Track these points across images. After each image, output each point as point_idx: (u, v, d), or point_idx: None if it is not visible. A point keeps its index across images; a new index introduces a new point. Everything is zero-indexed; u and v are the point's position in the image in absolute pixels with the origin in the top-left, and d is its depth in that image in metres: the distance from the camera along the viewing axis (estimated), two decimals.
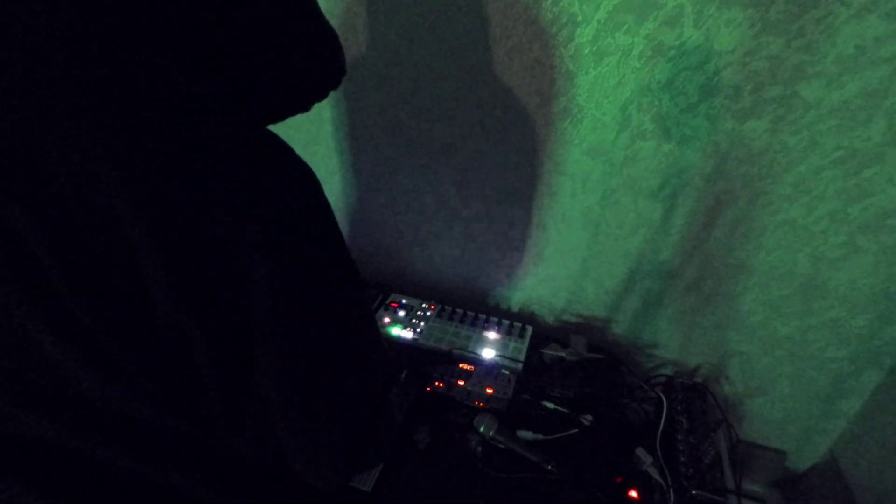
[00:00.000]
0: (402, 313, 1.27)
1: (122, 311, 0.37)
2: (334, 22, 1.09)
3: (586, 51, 0.94)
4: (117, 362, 0.38)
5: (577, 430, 1.00)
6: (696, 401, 1.10)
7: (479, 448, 0.93)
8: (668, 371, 1.27)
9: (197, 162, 0.35)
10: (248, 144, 0.39)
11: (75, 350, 0.37)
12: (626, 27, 0.90)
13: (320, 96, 0.55)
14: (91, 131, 0.33)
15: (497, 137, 1.11)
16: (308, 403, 0.45)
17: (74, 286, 0.35)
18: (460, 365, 1.12)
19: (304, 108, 0.54)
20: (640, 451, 0.96)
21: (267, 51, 0.45)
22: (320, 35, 0.50)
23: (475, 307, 1.33)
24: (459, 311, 1.28)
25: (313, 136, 1.28)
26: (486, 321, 1.25)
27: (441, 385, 1.07)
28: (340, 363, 0.46)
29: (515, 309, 1.37)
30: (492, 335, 1.20)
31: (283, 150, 0.42)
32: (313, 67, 0.51)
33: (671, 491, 0.90)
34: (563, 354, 1.15)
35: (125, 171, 0.33)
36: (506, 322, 1.24)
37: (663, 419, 1.02)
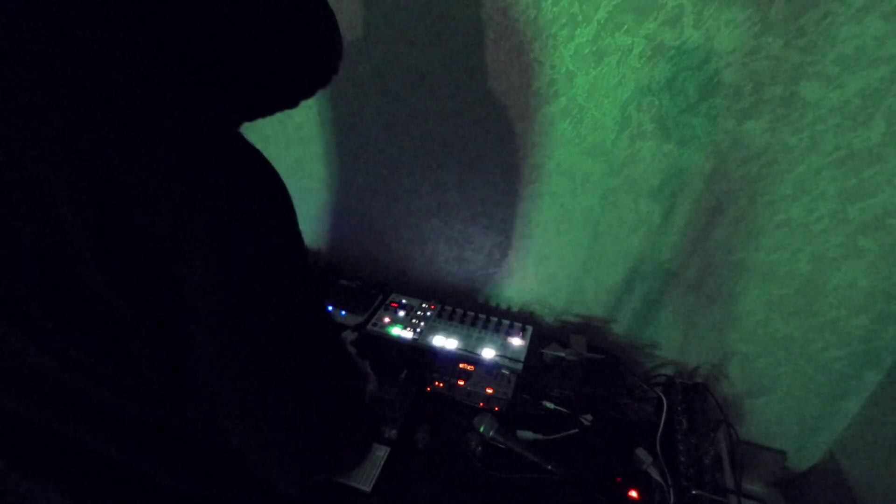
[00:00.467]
0: (402, 313, 1.27)
1: (52, 285, 0.38)
2: None
3: (586, 51, 0.94)
4: (52, 334, 0.40)
5: (577, 430, 1.00)
6: (696, 401, 1.10)
7: (479, 448, 0.93)
8: (668, 371, 1.27)
9: (145, 148, 0.35)
10: (209, 139, 0.38)
11: (17, 323, 0.39)
12: (626, 27, 0.90)
13: (313, 90, 0.54)
14: (37, 106, 0.33)
15: (497, 137, 1.11)
16: (253, 396, 0.44)
17: (8, 260, 0.36)
18: (460, 365, 1.12)
19: (293, 102, 0.53)
20: (640, 451, 0.96)
21: (262, 39, 0.45)
22: (319, 23, 0.50)
23: (475, 307, 1.33)
24: (459, 311, 1.28)
25: (313, 135, 1.28)
26: (486, 321, 1.25)
27: (441, 385, 1.07)
28: (289, 360, 0.45)
29: (515, 309, 1.37)
30: (492, 335, 1.20)
31: (247, 150, 0.42)
32: (309, 58, 0.50)
33: (671, 491, 0.90)
34: (563, 354, 1.15)
35: (64, 147, 0.34)
36: (506, 322, 1.24)
37: (663, 419, 1.02)
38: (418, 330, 1.21)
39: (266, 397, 0.45)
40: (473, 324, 1.24)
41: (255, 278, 0.41)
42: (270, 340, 0.43)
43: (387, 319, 1.25)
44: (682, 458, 0.96)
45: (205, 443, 0.51)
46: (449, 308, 1.29)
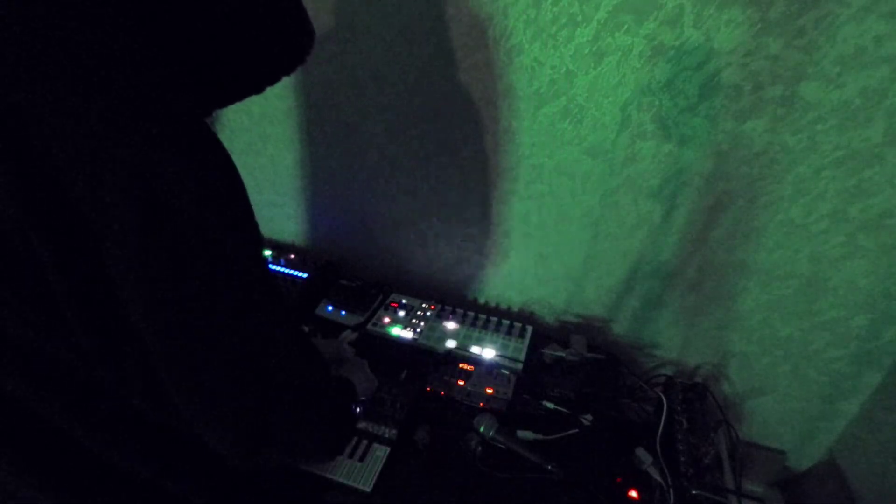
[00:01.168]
0: (402, 313, 1.27)
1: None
2: (335, 22, 1.09)
3: (586, 51, 0.94)
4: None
5: (577, 430, 1.00)
6: (696, 401, 1.10)
7: (479, 448, 0.93)
8: (668, 371, 1.27)
9: (86, 119, 0.35)
10: (156, 117, 0.38)
11: None
12: (626, 27, 0.90)
13: (278, 76, 0.54)
14: None
15: (496, 137, 1.11)
16: (189, 355, 0.44)
17: None
18: (460, 365, 1.12)
19: (259, 88, 0.54)
20: (640, 451, 0.96)
21: (228, 23, 0.45)
22: (286, 10, 0.50)
23: (475, 307, 1.33)
24: (459, 311, 1.28)
25: (313, 136, 1.28)
26: (486, 321, 1.25)
27: (441, 385, 1.07)
28: (234, 343, 0.45)
29: (515, 309, 1.37)
30: (492, 335, 1.20)
31: (195, 129, 0.42)
32: (274, 44, 0.51)
33: (671, 491, 0.90)
34: (563, 354, 1.15)
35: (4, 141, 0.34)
36: (506, 322, 1.24)
37: (663, 419, 1.02)
38: (418, 330, 1.21)
39: (201, 376, 0.45)
40: (473, 324, 1.24)
41: (187, 254, 0.40)
42: (205, 324, 0.43)
43: (387, 319, 1.25)
44: (682, 458, 0.96)
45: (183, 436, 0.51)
46: (449, 308, 1.29)
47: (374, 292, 1.33)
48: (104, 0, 0.37)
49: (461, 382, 1.08)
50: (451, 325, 1.23)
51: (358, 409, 0.96)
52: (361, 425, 0.95)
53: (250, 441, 0.49)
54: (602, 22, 0.91)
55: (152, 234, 0.38)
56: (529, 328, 1.23)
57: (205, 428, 0.48)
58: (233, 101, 0.53)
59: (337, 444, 0.65)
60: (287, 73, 0.54)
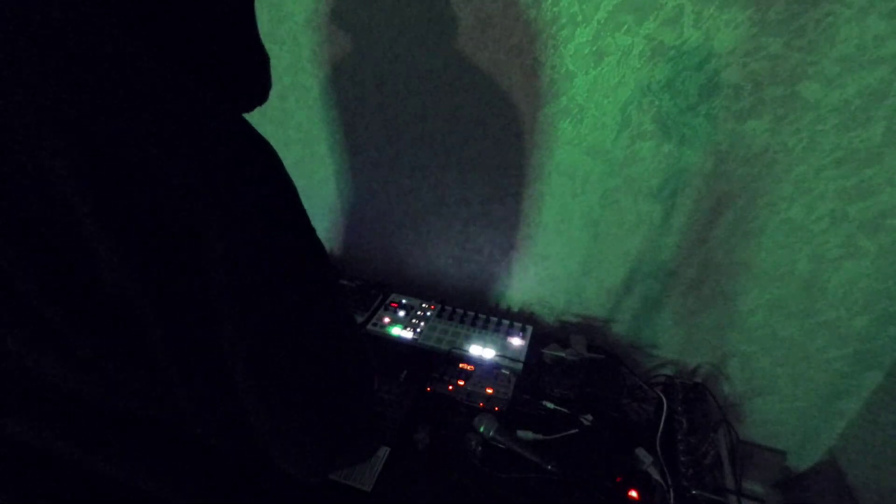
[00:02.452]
0: (402, 313, 1.27)
1: (70, 290, 0.36)
2: (335, 23, 1.09)
3: (586, 51, 0.94)
4: (71, 344, 0.38)
5: (577, 430, 1.00)
6: (696, 401, 1.10)
7: (479, 448, 0.93)
8: (668, 371, 1.27)
9: (153, 143, 0.34)
10: (212, 129, 0.37)
11: (25, 331, 0.37)
12: (626, 27, 0.90)
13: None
14: (43, 106, 0.32)
15: (497, 137, 1.11)
16: (279, 387, 0.43)
17: (19, 262, 0.35)
18: (460, 365, 1.12)
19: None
20: (640, 451, 0.96)
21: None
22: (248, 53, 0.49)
23: (475, 307, 1.33)
24: (459, 311, 1.28)
25: (314, 135, 1.28)
26: (486, 321, 1.25)
27: (441, 385, 1.07)
28: (313, 348, 0.44)
29: (515, 309, 1.37)
30: (492, 335, 1.20)
31: (247, 132, 0.41)
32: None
33: (671, 491, 0.90)
34: (563, 354, 1.14)
35: (73, 148, 0.32)
36: (506, 322, 1.24)
37: (663, 419, 1.02)
38: (418, 330, 1.21)
39: (295, 386, 0.44)
40: (473, 324, 1.24)
41: (276, 262, 0.40)
42: (297, 326, 0.43)
43: (387, 319, 1.25)
44: (682, 458, 0.96)
45: (213, 453, 0.51)
46: (449, 308, 1.29)
47: (374, 292, 1.33)
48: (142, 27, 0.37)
49: (461, 382, 1.08)
50: (451, 325, 1.23)
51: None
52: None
53: (328, 458, 0.50)
54: (602, 22, 0.91)
55: (240, 249, 0.37)
56: (529, 328, 1.23)
57: (283, 450, 0.48)
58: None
59: (376, 445, 0.66)
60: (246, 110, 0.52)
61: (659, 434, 0.99)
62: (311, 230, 0.46)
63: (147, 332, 0.37)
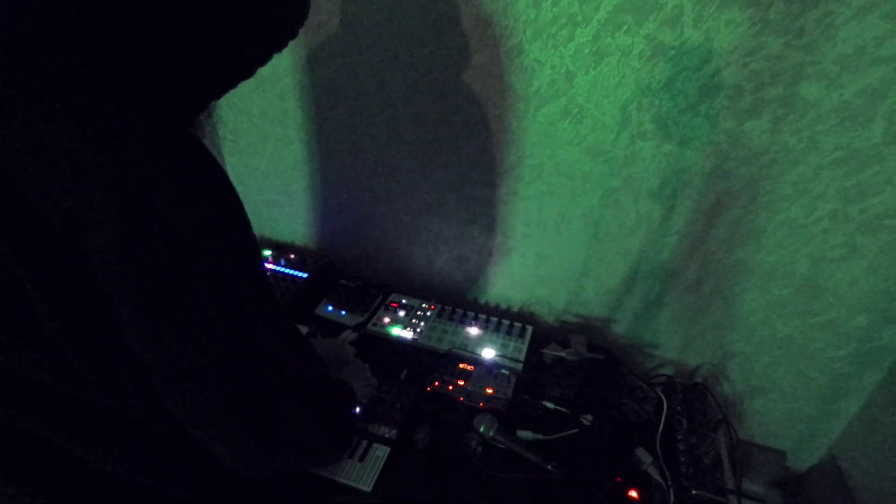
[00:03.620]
0: (402, 313, 1.27)
1: None
2: (335, 22, 1.09)
3: (586, 51, 0.94)
4: None
5: (577, 430, 1.00)
6: (696, 401, 1.10)
7: (479, 448, 0.93)
8: (668, 371, 1.27)
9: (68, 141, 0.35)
10: (123, 133, 0.38)
11: None
12: (626, 27, 0.90)
13: (273, 49, 0.52)
14: None
15: (496, 137, 1.11)
16: (189, 380, 0.44)
17: None
18: (460, 365, 1.12)
19: (250, 70, 0.52)
20: (640, 451, 0.96)
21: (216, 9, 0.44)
22: None
23: (475, 307, 1.33)
24: (459, 311, 1.28)
25: (314, 135, 1.28)
26: (486, 321, 1.25)
27: (441, 385, 1.07)
28: (227, 349, 0.44)
29: (515, 309, 1.37)
30: (492, 335, 1.20)
31: (183, 142, 0.41)
32: (267, 13, 0.48)
33: (671, 491, 0.90)
34: (563, 354, 1.14)
35: None
36: (506, 322, 1.24)
37: (663, 419, 1.02)
38: (418, 330, 1.21)
39: (195, 384, 0.44)
40: (473, 324, 1.24)
41: (169, 261, 0.40)
42: (194, 331, 0.42)
43: (387, 319, 1.25)
44: (682, 458, 0.96)
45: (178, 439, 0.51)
46: (449, 308, 1.29)
47: (374, 292, 1.33)
48: (76, 7, 0.37)
49: (461, 382, 1.08)
50: (451, 325, 1.23)
51: (357, 411, 0.96)
52: (361, 425, 0.95)
53: (254, 449, 0.49)
54: (602, 22, 0.91)
55: (130, 240, 0.37)
56: (529, 328, 1.23)
57: (206, 439, 0.47)
58: (226, 89, 0.52)
59: (339, 447, 0.65)
60: (278, 50, 0.52)
61: (659, 434, 0.99)
62: (232, 232, 0.45)
63: (37, 311, 0.39)
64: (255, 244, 0.49)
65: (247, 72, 0.51)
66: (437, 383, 1.07)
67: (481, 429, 0.95)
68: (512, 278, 1.33)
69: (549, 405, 1.04)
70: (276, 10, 0.49)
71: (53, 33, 0.36)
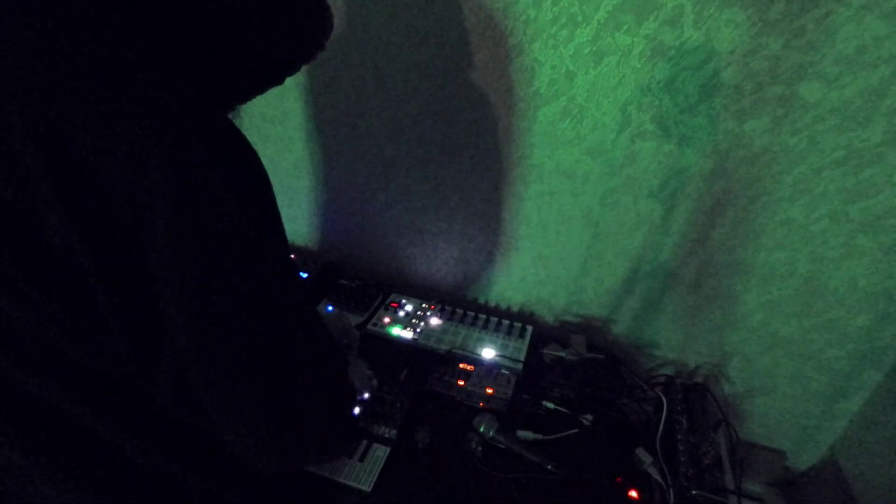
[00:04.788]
0: (402, 313, 1.27)
1: (18, 241, 0.38)
2: (335, 22, 1.09)
3: (586, 51, 0.94)
4: (23, 292, 0.40)
5: (577, 430, 1.00)
6: (696, 401, 1.10)
7: (479, 448, 0.93)
8: (668, 371, 1.27)
9: (106, 118, 0.36)
10: (180, 111, 0.39)
11: None
12: (626, 27, 0.90)
13: (302, 61, 0.55)
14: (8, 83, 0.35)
15: (497, 137, 1.11)
16: (228, 368, 0.44)
17: None
18: (460, 365, 1.12)
19: (280, 78, 0.55)
20: (640, 451, 0.96)
21: (247, 16, 0.46)
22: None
23: (475, 307, 1.33)
24: (459, 311, 1.28)
25: (314, 135, 1.28)
26: (486, 321, 1.25)
27: (441, 385, 1.07)
28: (260, 337, 0.45)
29: (515, 309, 1.37)
30: (492, 335, 1.20)
31: (224, 127, 0.43)
32: (293, 32, 0.52)
33: (671, 491, 0.90)
34: (563, 354, 1.15)
35: (30, 109, 0.35)
36: (506, 322, 1.24)
37: (663, 419, 1.02)
38: (418, 330, 1.21)
39: (233, 371, 0.44)
40: (473, 324, 1.24)
41: (218, 245, 0.41)
42: (237, 316, 0.43)
43: (387, 319, 1.25)
44: (682, 458, 0.96)
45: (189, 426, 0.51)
46: (449, 308, 1.29)
47: (374, 292, 1.33)
48: (120, 7, 0.38)
49: (461, 382, 1.08)
50: (451, 325, 1.23)
51: (357, 411, 0.97)
52: (361, 425, 0.95)
53: (278, 441, 0.49)
54: (602, 22, 0.91)
55: (183, 225, 0.39)
56: (529, 328, 1.23)
57: (230, 427, 0.48)
58: (255, 94, 0.54)
59: (350, 441, 0.66)
60: (307, 61, 0.55)
61: (659, 434, 0.99)
62: (271, 220, 0.47)
63: (90, 289, 0.40)
64: (286, 237, 0.50)
65: (277, 79, 0.55)
66: (437, 383, 1.07)
67: (481, 429, 0.95)
68: (512, 278, 1.33)
69: (549, 405, 1.04)
70: (306, 23, 0.53)
71: (113, 22, 0.39)
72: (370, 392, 0.98)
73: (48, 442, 0.48)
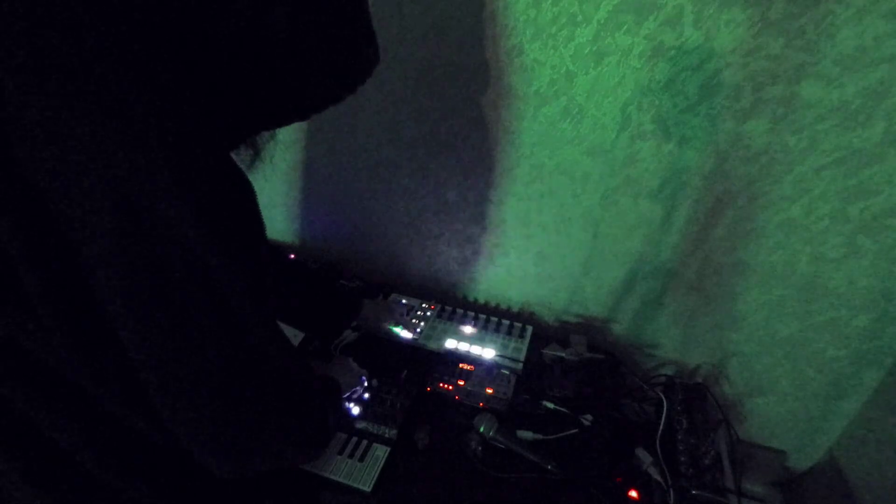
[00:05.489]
0: (402, 313, 1.27)
1: None
2: None
3: (586, 51, 0.94)
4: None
5: (577, 430, 1.00)
6: (696, 401, 1.10)
7: (479, 448, 0.93)
8: (668, 371, 1.27)
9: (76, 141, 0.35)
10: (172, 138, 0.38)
11: None
12: (626, 27, 0.90)
13: (342, 93, 0.53)
14: None
15: (497, 137, 1.11)
16: (164, 362, 0.43)
17: None
18: (460, 365, 1.12)
19: (317, 108, 0.53)
20: (640, 451, 0.96)
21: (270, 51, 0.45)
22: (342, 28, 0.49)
23: (475, 307, 1.33)
24: (459, 311, 1.28)
25: (314, 136, 1.28)
26: (486, 321, 1.25)
27: (441, 385, 1.07)
28: (219, 356, 0.44)
29: (515, 309, 1.37)
30: (492, 335, 1.20)
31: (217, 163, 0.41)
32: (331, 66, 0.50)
33: (671, 491, 0.90)
34: (563, 354, 1.14)
35: None
36: (506, 322, 1.24)
37: (663, 419, 1.02)
38: (418, 330, 1.21)
39: (183, 378, 0.43)
40: (473, 324, 1.24)
41: (163, 268, 0.39)
42: (188, 336, 0.42)
43: None
44: (682, 458, 0.96)
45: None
46: (449, 308, 1.29)
47: (374, 292, 1.33)
48: (123, 14, 0.36)
49: (461, 382, 1.08)
50: (451, 325, 1.23)
51: (355, 412, 0.97)
52: (361, 425, 0.95)
53: (236, 449, 0.49)
54: (602, 22, 0.91)
55: (126, 240, 0.37)
56: (529, 328, 1.23)
57: (187, 437, 0.47)
58: (272, 127, 0.53)
59: (319, 443, 0.64)
60: (333, 103, 0.54)
61: (659, 434, 0.99)
62: (237, 240, 0.44)
63: (24, 283, 0.39)
64: (262, 262, 0.48)
65: (301, 116, 0.53)
66: (437, 383, 1.07)
67: (481, 429, 0.95)
68: (512, 278, 1.33)
69: (549, 405, 1.04)
70: (341, 68, 0.52)
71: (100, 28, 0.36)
72: (361, 386, 0.99)
73: (19, 448, 0.48)
